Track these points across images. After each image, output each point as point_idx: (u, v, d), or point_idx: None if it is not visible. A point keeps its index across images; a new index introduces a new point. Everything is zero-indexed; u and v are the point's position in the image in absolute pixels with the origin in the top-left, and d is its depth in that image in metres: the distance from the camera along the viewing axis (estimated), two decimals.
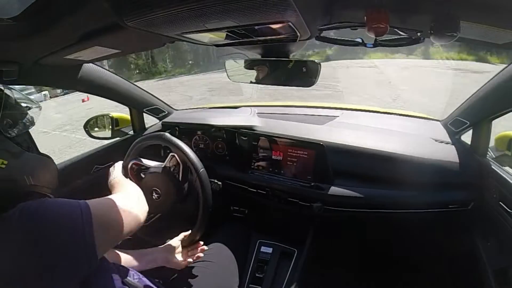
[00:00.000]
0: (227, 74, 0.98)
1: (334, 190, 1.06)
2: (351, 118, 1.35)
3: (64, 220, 0.47)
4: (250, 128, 1.24)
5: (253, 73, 0.93)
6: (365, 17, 0.50)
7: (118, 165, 0.95)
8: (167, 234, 1.02)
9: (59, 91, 12.73)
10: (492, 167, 0.94)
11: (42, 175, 0.64)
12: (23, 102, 0.67)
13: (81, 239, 0.47)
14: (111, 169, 0.94)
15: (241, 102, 1.82)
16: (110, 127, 1.46)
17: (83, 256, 0.47)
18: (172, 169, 1.00)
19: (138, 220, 0.65)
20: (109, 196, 0.63)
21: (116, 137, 1.48)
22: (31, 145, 0.65)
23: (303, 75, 0.83)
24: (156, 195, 0.97)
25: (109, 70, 1.25)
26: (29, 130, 0.66)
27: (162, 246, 0.94)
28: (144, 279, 0.70)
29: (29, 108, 0.68)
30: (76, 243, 0.46)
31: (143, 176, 1.02)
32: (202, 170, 0.96)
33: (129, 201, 0.67)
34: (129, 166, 1.01)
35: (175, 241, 0.96)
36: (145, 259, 0.87)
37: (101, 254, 0.51)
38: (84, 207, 0.50)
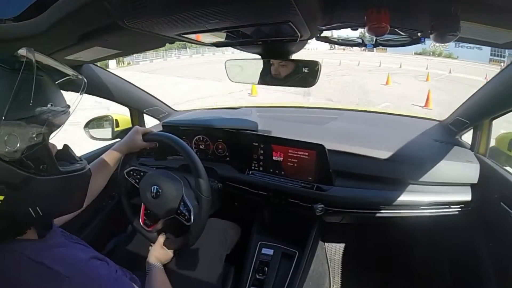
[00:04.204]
0: (228, 75, 0.98)
1: (335, 191, 1.05)
2: (351, 118, 1.35)
3: None
4: (250, 129, 1.24)
5: (254, 74, 0.93)
6: (365, 17, 0.51)
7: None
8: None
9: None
10: (493, 167, 0.94)
11: (60, 201, 0.51)
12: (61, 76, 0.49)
13: None
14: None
15: None
16: (111, 128, 1.46)
17: None
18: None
19: None
20: None
21: (117, 138, 1.47)
22: (46, 164, 0.47)
23: (304, 75, 0.83)
24: (155, 194, 0.96)
25: None
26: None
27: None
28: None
29: (73, 77, 0.51)
30: None
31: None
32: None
33: None
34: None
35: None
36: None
37: None
38: None
